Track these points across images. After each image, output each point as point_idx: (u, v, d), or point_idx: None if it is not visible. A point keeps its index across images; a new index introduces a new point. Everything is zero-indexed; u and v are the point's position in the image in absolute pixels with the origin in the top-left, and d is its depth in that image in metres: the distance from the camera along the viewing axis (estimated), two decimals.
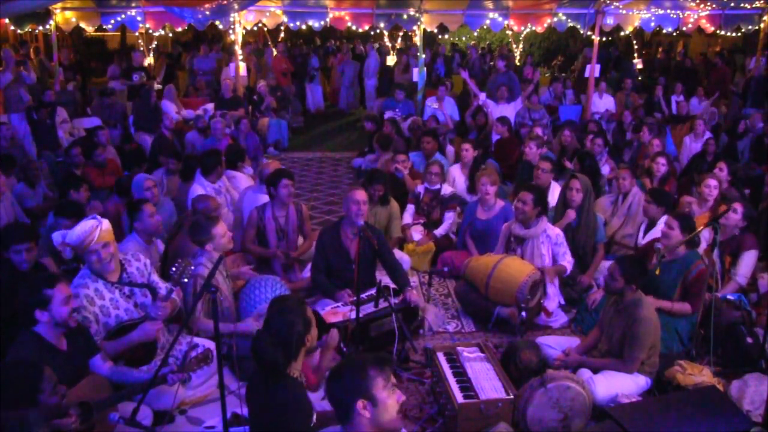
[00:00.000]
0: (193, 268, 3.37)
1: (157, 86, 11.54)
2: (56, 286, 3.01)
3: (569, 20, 10.53)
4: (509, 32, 14.53)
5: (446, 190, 6.13)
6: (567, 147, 7.46)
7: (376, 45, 15.48)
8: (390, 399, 2.22)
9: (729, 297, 4.47)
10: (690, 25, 10.86)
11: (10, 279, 3.80)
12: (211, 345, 3.64)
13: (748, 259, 4.71)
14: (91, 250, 3.47)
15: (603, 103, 10.07)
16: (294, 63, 13.90)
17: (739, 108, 10.55)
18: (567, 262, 4.85)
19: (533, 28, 11.07)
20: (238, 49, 10.70)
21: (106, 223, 3.56)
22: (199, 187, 5.74)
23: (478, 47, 15.40)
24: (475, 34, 16.49)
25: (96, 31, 12.56)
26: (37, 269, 4.02)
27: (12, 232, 3.97)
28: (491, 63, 13.58)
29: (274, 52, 13.54)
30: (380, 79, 13.69)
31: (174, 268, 3.24)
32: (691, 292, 4.19)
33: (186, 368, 3.24)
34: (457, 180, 6.75)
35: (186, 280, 3.34)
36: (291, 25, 10.74)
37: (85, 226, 3.48)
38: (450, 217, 6.00)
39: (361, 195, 4.50)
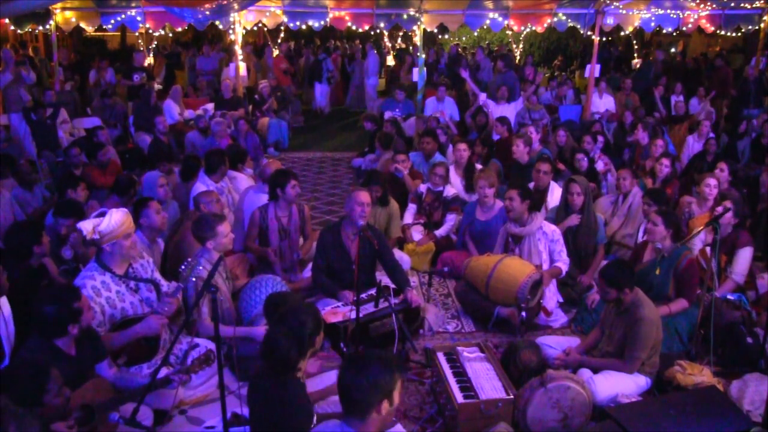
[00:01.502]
0: (200, 267, 3.37)
1: (157, 86, 11.53)
2: (81, 297, 3.09)
3: (569, 20, 10.53)
4: (509, 32, 14.52)
5: (449, 191, 6.11)
6: (563, 147, 7.45)
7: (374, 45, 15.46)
8: (399, 397, 2.34)
9: (729, 297, 4.48)
10: (690, 25, 10.87)
11: (23, 275, 3.84)
12: (212, 345, 3.64)
13: (744, 257, 4.71)
14: (122, 239, 3.53)
15: (603, 103, 10.06)
16: (295, 63, 13.88)
17: (737, 108, 10.55)
18: (563, 261, 4.84)
19: (533, 28, 11.08)
20: (238, 49, 10.70)
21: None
22: (202, 185, 5.74)
23: (484, 48, 15.36)
24: (475, 34, 16.49)
25: (96, 31, 12.57)
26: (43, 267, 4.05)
27: (29, 233, 4.00)
28: (493, 64, 13.55)
29: (275, 52, 13.52)
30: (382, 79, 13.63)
31: (183, 266, 3.26)
32: (685, 283, 4.23)
33: (188, 370, 3.25)
34: (453, 180, 6.73)
35: (194, 279, 3.35)
36: (291, 25, 10.75)
37: (116, 215, 3.54)
38: (451, 219, 5.98)
39: (365, 196, 4.52)
